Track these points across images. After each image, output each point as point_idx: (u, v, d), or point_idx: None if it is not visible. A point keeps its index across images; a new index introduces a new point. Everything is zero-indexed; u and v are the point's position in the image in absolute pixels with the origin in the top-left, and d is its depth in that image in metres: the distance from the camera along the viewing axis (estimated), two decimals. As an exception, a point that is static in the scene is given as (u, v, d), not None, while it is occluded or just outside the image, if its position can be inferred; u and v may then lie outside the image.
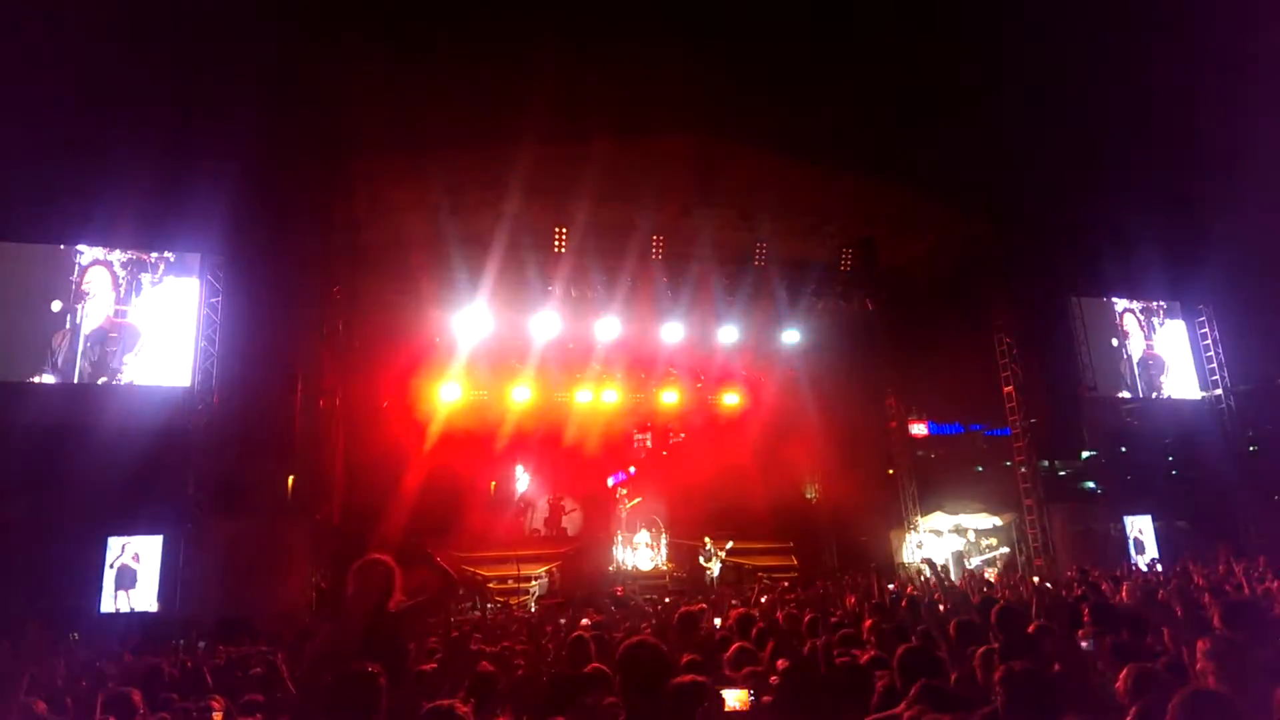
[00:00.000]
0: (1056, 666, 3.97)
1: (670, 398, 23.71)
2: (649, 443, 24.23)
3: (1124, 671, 3.54)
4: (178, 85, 17.36)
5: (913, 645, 4.36)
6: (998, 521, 21.73)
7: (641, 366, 22.90)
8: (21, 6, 15.65)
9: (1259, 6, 19.32)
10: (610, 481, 22.99)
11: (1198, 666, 3.45)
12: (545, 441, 22.18)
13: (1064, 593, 6.36)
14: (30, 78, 16.07)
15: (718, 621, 7.57)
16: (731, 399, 24.67)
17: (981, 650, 4.20)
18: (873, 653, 4.74)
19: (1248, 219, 22.98)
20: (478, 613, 14.08)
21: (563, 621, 7.93)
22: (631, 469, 23.18)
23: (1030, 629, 4.23)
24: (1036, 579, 12.65)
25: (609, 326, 20.40)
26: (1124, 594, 7.20)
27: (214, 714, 4.75)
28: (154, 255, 17.02)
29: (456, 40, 16.23)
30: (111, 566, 15.34)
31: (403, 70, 16.01)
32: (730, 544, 20.66)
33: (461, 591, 8.04)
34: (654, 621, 7.24)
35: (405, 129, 16.33)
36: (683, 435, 24.33)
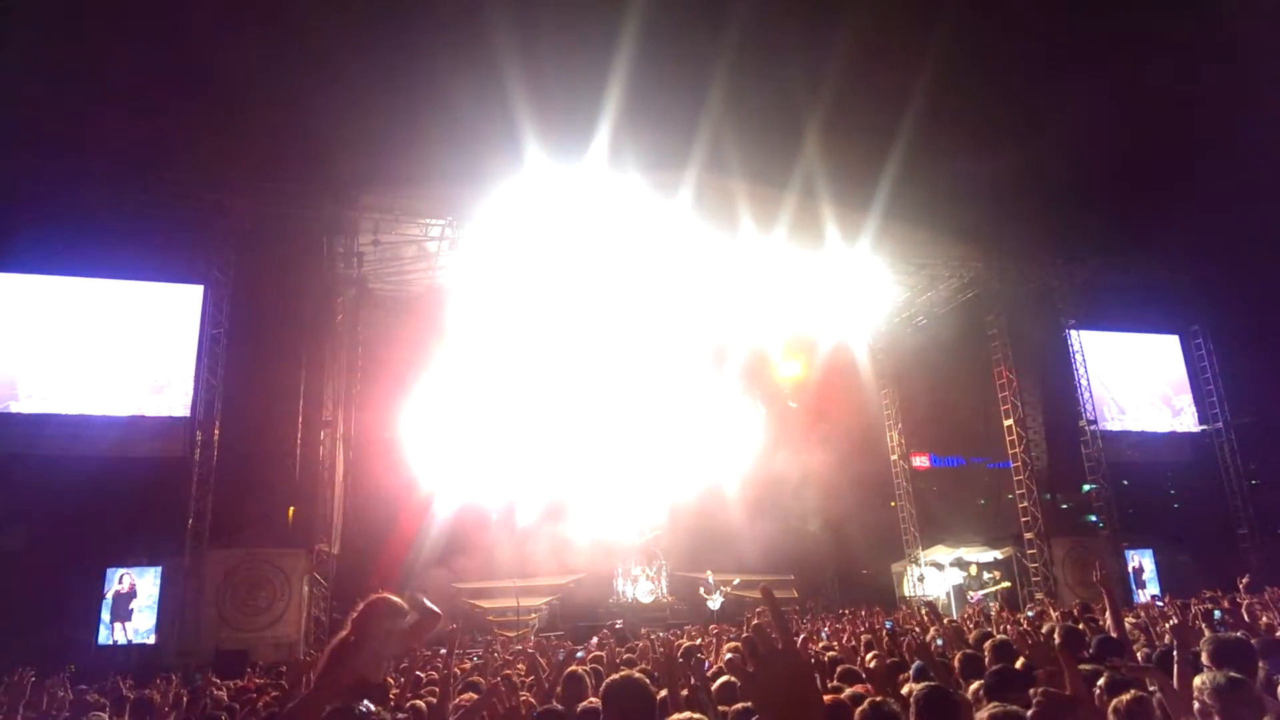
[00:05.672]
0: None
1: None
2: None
3: (1113, 702, 3.53)
4: (184, 117, 17.62)
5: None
6: (999, 555, 21.62)
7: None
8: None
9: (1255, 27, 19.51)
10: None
11: (1196, 707, 3.42)
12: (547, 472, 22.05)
13: (1056, 629, 6.31)
14: (36, 109, 16.32)
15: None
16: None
17: (975, 685, 4.19)
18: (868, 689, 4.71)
19: (1247, 252, 23.12)
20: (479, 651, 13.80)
21: (561, 653, 7.88)
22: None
23: (1019, 664, 4.22)
24: (1032, 612, 12.54)
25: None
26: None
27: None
28: (157, 285, 17.19)
29: (459, 79, 16.49)
30: (109, 598, 15.29)
31: (404, 108, 16.26)
32: (737, 580, 20.41)
33: (453, 626, 7.94)
34: (649, 655, 7.20)
35: (407, 165, 16.54)
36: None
